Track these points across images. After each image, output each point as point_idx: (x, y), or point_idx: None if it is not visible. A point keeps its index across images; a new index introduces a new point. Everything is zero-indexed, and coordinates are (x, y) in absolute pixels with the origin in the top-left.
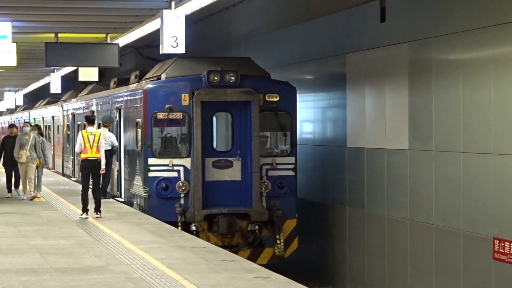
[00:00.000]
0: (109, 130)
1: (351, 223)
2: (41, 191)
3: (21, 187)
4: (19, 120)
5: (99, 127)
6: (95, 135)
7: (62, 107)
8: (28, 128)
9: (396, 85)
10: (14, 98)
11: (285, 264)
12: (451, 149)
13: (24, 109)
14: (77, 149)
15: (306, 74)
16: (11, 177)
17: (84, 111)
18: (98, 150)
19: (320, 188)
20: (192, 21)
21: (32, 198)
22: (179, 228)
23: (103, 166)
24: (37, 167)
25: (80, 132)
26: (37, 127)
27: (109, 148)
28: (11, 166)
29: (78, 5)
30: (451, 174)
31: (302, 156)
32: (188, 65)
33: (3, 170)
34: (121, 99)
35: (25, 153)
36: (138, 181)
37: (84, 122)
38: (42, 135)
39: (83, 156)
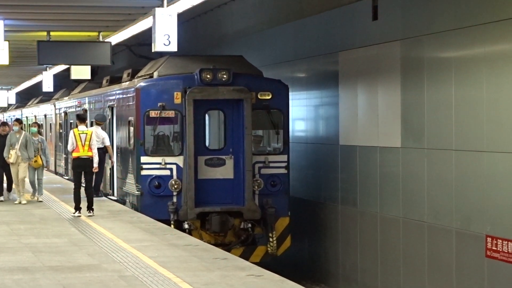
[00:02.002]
0: (102, 129)
1: (344, 221)
2: (42, 194)
3: (14, 189)
4: (11, 119)
5: (91, 125)
6: (86, 133)
7: (55, 106)
8: (17, 127)
9: (389, 83)
10: (7, 96)
11: (277, 262)
12: (444, 147)
13: (17, 108)
14: (69, 147)
15: (298, 72)
16: (3, 179)
17: (77, 109)
18: (90, 149)
19: (312, 186)
20: (185, 19)
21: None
22: (172, 226)
23: (95, 164)
24: (36, 169)
25: (71, 131)
26: (37, 125)
27: (102, 146)
28: (2, 167)
29: (70, 3)
30: (443, 172)
31: (294, 154)
32: (180, 63)
33: None
34: (113, 97)
35: (15, 153)
36: (130, 179)
37: (76, 121)
38: (40, 134)
39: (75, 154)
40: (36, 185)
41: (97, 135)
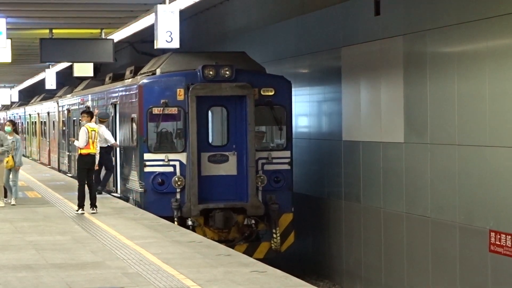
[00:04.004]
0: (105, 126)
1: (347, 216)
2: (17, 197)
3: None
4: (14, 117)
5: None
6: (95, 130)
7: (58, 103)
8: None
9: (391, 79)
10: (10, 94)
11: (281, 258)
12: (447, 142)
13: (20, 105)
14: (81, 144)
15: (301, 68)
16: None
17: (80, 106)
18: (96, 146)
19: (316, 182)
20: (187, 15)
21: None
22: (175, 223)
23: (96, 161)
24: (10, 170)
25: (84, 128)
26: (12, 123)
27: (105, 145)
28: None
29: (72, 1)
30: (446, 167)
31: (297, 150)
32: (183, 60)
33: None
34: (116, 94)
35: None
36: (134, 176)
37: (86, 117)
38: (17, 133)
39: (85, 151)
40: (10, 188)
41: (99, 134)
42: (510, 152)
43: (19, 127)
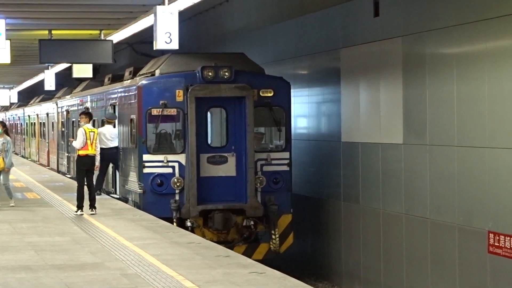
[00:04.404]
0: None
1: (346, 218)
2: (12, 197)
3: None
4: (13, 118)
5: (93, 124)
6: (94, 132)
7: (57, 104)
8: None
9: (390, 80)
10: (9, 95)
11: (280, 259)
12: (446, 143)
13: (19, 106)
14: (78, 145)
15: (300, 69)
16: None
17: (79, 108)
18: (95, 147)
19: (315, 183)
20: (186, 17)
21: None
22: (174, 224)
23: (97, 163)
24: (0, 172)
25: (81, 129)
26: (2, 124)
27: (116, 144)
28: None
29: (71, 2)
30: (445, 168)
31: (296, 151)
32: (182, 61)
33: None
34: (115, 95)
35: None
36: (133, 177)
37: (84, 118)
38: (8, 134)
39: (83, 152)
40: (4, 190)
41: (112, 133)
42: (509, 153)
43: (18, 128)
